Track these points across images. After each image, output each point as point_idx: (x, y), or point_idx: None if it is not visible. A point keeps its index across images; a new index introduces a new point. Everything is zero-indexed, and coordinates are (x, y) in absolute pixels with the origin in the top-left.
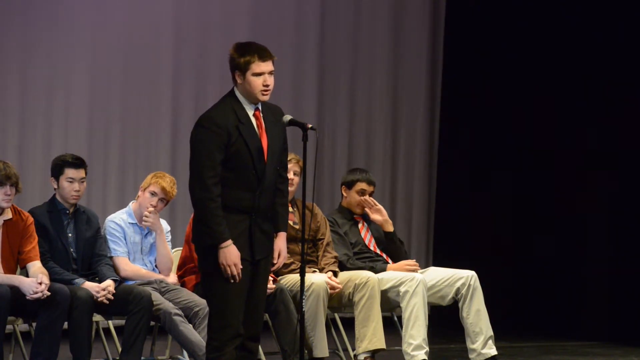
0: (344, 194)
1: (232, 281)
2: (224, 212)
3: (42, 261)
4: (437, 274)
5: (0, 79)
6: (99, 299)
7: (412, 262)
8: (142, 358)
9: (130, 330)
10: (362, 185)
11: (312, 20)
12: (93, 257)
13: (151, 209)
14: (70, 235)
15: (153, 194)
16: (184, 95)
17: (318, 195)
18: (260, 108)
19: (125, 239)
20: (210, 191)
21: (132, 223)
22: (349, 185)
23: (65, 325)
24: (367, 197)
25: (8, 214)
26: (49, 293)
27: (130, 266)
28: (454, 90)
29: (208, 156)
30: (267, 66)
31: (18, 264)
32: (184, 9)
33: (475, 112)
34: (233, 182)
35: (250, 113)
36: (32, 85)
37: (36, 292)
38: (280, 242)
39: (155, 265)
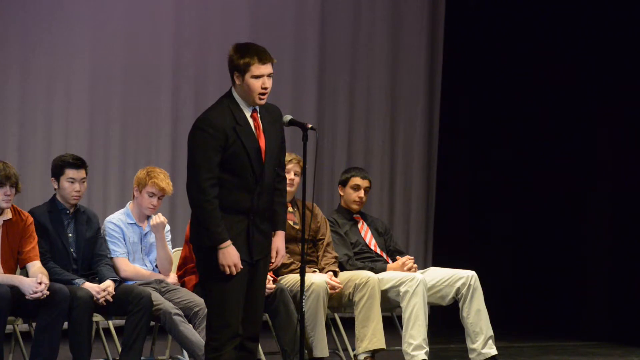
0: (341, 193)
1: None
2: (222, 213)
3: (42, 261)
4: (437, 274)
5: (0, 79)
6: (99, 301)
7: (407, 260)
8: (142, 358)
9: (130, 330)
10: (355, 180)
11: (312, 21)
12: (93, 257)
13: (162, 219)
14: (70, 235)
15: (151, 194)
16: (183, 95)
17: (317, 196)
18: (257, 109)
19: (124, 240)
20: (207, 193)
21: (130, 223)
22: (344, 183)
23: (65, 325)
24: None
25: (8, 214)
26: (48, 293)
27: (130, 267)
28: (453, 90)
29: (205, 158)
30: (267, 69)
31: (18, 264)
32: (184, 9)
33: (474, 111)
34: (231, 184)
35: (248, 114)
36: (32, 85)
37: (36, 292)
38: (279, 241)
39: (156, 265)
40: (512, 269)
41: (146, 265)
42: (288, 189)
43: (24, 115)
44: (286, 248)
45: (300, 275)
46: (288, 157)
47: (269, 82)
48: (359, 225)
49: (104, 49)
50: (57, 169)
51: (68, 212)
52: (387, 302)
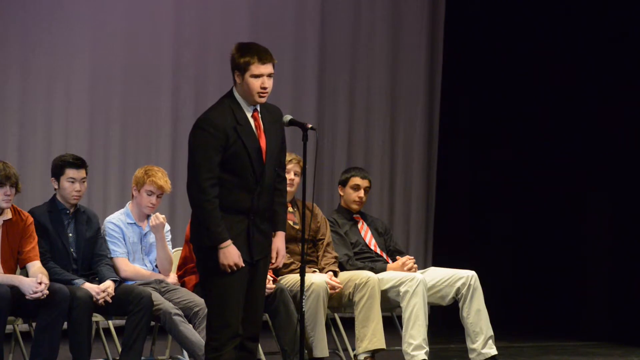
0: (341, 193)
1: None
2: (222, 213)
3: (42, 261)
4: (437, 274)
5: (0, 79)
6: (99, 301)
7: (407, 260)
8: (142, 358)
9: (130, 330)
10: (355, 180)
11: (312, 21)
12: (93, 257)
13: (161, 219)
14: (70, 235)
15: (150, 193)
16: (183, 95)
17: (317, 196)
18: (258, 109)
19: (124, 240)
20: (208, 193)
21: (130, 223)
22: (344, 183)
23: (65, 325)
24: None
25: (8, 214)
26: (48, 293)
27: (130, 267)
28: (453, 90)
29: (205, 158)
30: (267, 69)
31: (18, 264)
32: (184, 9)
33: (474, 111)
34: (232, 184)
35: (249, 114)
36: (32, 85)
37: (36, 292)
38: (279, 242)
39: (156, 265)
40: (512, 269)
41: (146, 265)
42: (288, 189)
43: (24, 115)
44: (286, 248)
45: (300, 275)
46: (288, 157)
47: (268, 82)
48: (359, 225)
49: (104, 49)
50: (57, 169)
51: (68, 212)
52: (387, 302)
